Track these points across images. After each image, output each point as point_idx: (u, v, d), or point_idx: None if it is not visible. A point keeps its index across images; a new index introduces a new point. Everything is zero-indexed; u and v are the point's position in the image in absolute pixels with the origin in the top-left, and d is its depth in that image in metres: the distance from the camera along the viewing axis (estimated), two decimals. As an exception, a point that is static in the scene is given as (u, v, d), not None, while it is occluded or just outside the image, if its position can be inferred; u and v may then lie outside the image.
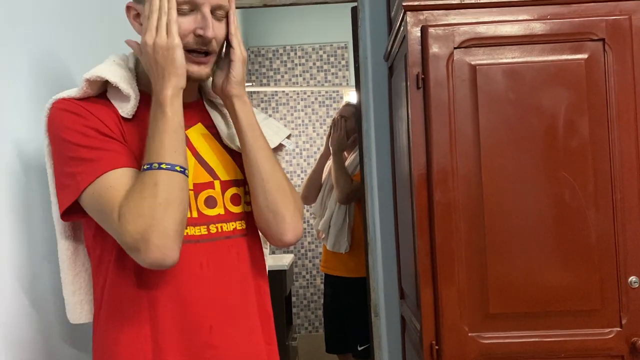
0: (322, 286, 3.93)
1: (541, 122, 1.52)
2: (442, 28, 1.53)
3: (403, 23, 1.64)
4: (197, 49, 1.01)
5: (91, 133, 0.96)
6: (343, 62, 4.64)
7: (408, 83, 1.59)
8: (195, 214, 1.01)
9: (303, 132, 4.63)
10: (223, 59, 1.07)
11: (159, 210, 0.89)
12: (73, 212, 0.99)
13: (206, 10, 1.00)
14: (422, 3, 1.56)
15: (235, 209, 1.07)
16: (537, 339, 1.52)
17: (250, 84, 4.51)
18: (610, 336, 1.50)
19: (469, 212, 1.52)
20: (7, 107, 1.07)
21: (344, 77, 4.64)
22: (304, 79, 4.65)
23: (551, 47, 1.53)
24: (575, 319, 1.52)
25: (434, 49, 1.53)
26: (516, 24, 1.54)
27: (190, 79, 1.00)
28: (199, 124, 1.10)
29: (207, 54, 1.03)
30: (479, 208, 1.52)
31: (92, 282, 1.06)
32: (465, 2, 1.56)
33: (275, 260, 3.55)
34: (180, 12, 0.99)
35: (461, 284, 1.52)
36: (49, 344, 1.15)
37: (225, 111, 1.13)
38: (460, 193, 1.52)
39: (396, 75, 2.00)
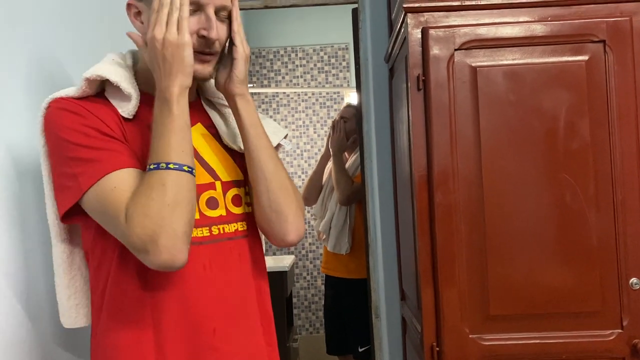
0: (322, 287, 3.93)
1: (542, 123, 1.52)
2: (443, 30, 1.53)
3: (404, 25, 1.64)
4: (200, 50, 1.00)
5: (92, 133, 0.94)
6: (344, 64, 4.64)
7: (409, 84, 1.59)
8: (197, 216, 1.00)
9: (304, 133, 4.63)
10: (226, 57, 1.06)
11: (168, 211, 0.88)
12: (73, 215, 0.97)
13: (210, 11, 0.99)
14: (423, 5, 1.56)
15: (237, 210, 1.07)
16: (538, 341, 1.51)
17: (252, 85, 4.51)
18: (611, 338, 1.50)
19: (470, 213, 1.52)
20: (3, 108, 1.06)
21: (344, 78, 4.64)
22: (304, 80, 4.65)
23: (552, 48, 1.53)
24: (576, 321, 1.51)
25: (435, 50, 1.53)
26: (517, 26, 1.54)
27: (193, 78, 0.99)
28: (199, 124, 1.09)
29: (210, 54, 1.01)
30: (479, 209, 1.52)
31: (90, 286, 1.04)
32: (465, 3, 1.56)
33: (276, 262, 3.55)
34: None
35: (462, 285, 1.52)
36: (45, 349, 1.14)
37: (224, 110, 1.13)
38: (461, 194, 1.52)
39: (397, 77, 2.00)
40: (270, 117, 4.62)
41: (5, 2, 1.07)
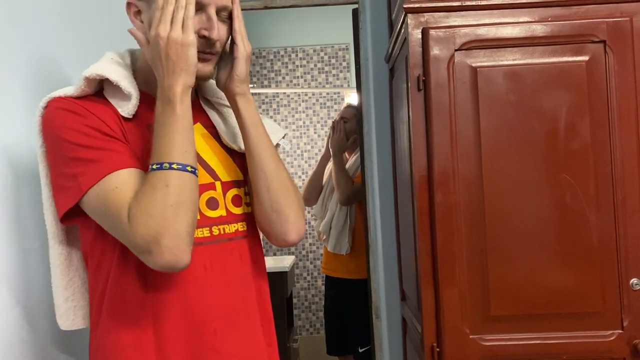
0: (323, 288, 3.93)
1: (542, 124, 1.52)
2: (443, 30, 1.53)
3: (404, 25, 1.64)
4: (200, 50, 0.98)
5: (92, 133, 0.93)
6: (344, 64, 4.64)
7: (409, 85, 1.59)
8: (197, 216, 0.99)
9: (304, 133, 4.64)
10: (227, 56, 1.05)
11: (171, 211, 0.87)
12: (72, 215, 0.96)
13: (212, 11, 0.98)
14: (423, 5, 1.56)
15: (237, 210, 1.06)
16: (538, 341, 1.51)
17: (252, 85, 4.51)
18: (612, 338, 1.50)
19: (470, 214, 1.52)
20: (1, 108, 1.05)
21: (345, 78, 4.64)
22: (305, 80, 4.65)
23: (552, 49, 1.53)
24: (576, 321, 1.51)
25: (435, 51, 1.53)
26: (517, 26, 1.54)
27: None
28: (198, 123, 1.08)
29: (210, 53, 1.00)
30: (480, 210, 1.52)
31: (89, 287, 1.03)
32: (466, 4, 1.56)
33: (276, 262, 3.55)
34: None
35: (462, 286, 1.51)
36: (43, 351, 1.13)
37: (223, 110, 1.12)
38: (461, 195, 1.52)
39: (397, 77, 2.00)
40: (271, 117, 4.62)
41: (5, 2, 1.07)
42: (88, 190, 0.91)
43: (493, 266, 1.51)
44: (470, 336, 1.52)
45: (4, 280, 1.04)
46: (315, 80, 4.65)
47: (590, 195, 1.50)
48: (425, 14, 1.56)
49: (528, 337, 1.52)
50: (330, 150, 2.82)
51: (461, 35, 1.53)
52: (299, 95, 4.63)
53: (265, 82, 4.65)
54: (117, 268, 0.96)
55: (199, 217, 1.00)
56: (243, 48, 1.02)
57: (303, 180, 4.49)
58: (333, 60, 4.65)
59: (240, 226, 1.06)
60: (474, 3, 1.56)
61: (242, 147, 1.10)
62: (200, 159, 1.05)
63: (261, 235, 1.13)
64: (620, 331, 1.50)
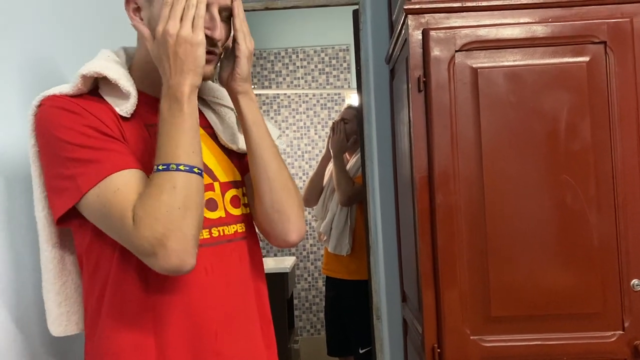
0: (324, 289, 3.93)
1: (543, 125, 1.52)
2: (444, 31, 1.53)
3: (404, 26, 1.64)
4: None
5: (91, 132, 0.90)
6: (345, 65, 4.64)
7: (409, 86, 1.59)
8: (202, 218, 0.96)
9: (305, 134, 4.64)
10: (229, 54, 1.03)
11: (178, 214, 0.85)
12: (68, 218, 0.93)
13: (215, 10, 0.96)
14: (424, 6, 1.56)
15: (235, 212, 1.05)
16: (539, 342, 1.51)
17: (253, 86, 4.50)
18: (613, 339, 1.50)
19: (471, 214, 1.52)
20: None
21: (345, 79, 4.64)
22: (305, 81, 4.66)
23: (553, 49, 1.53)
24: (577, 322, 1.51)
25: (436, 51, 1.53)
26: (517, 27, 1.54)
27: None
28: None
29: (212, 53, 0.98)
30: (480, 211, 1.52)
31: (84, 291, 0.99)
32: (466, 5, 1.56)
33: (277, 263, 3.56)
34: None
35: (463, 286, 1.51)
36: (35, 358, 1.09)
37: (219, 109, 1.11)
38: (461, 196, 1.52)
39: (397, 78, 2.00)
40: (272, 118, 4.63)
41: (2, 1, 1.05)
42: (87, 192, 0.88)
43: (494, 267, 1.51)
44: (471, 337, 1.52)
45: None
46: (315, 81, 4.65)
47: (590, 196, 1.50)
48: (425, 15, 1.56)
49: (529, 338, 1.51)
50: (331, 151, 2.82)
51: (462, 36, 1.53)
52: (299, 96, 4.63)
53: (266, 83, 4.65)
54: (116, 271, 0.94)
55: None
56: (245, 46, 1.01)
57: (304, 181, 4.49)
58: (334, 61, 4.65)
59: (239, 227, 1.04)
60: (474, 4, 1.56)
61: (241, 146, 1.09)
62: None
63: (259, 236, 1.12)
64: (621, 332, 1.50)
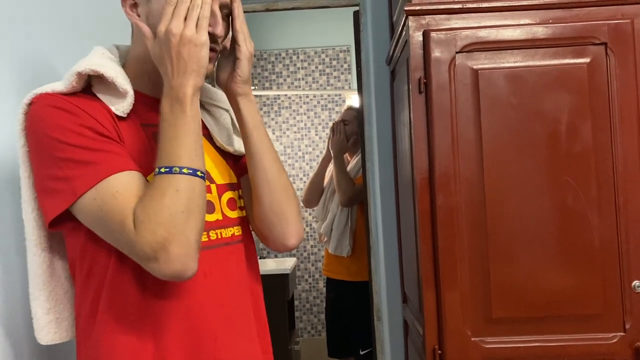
0: (324, 290, 3.93)
1: (543, 126, 1.51)
2: (444, 32, 1.53)
3: (405, 27, 1.64)
4: None
5: (87, 133, 0.87)
6: (345, 66, 4.64)
7: (410, 87, 1.59)
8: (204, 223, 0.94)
9: (305, 135, 4.64)
10: (228, 55, 1.01)
11: (182, 218, 0.83)
12: (60, 221, 0.90)
13: (216, 7, 0.94)
14: (424, 7, 1.56)
15: (232, 214, 1.03)
16: (540, 344, 1.51)
17: (253, 87, 4.51)
18: (614, 341, 1.50)
19: (472, 216, 1.52)
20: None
21: (346, 80, 4.64)
22: (306, 82, 4.66)
23: (553, 51, 1.53)
24: (578, 324, 1.51)
25: (436, 53, 1.53)
26: (518, 28, 1.54)
27: None
28: None
29: (213, 50, 0.95)
30: (481, 212, 1.52)
31: (77, 296, 0.95)
32: (467, 6, 1.56)
33: (277, 264, 3.56)
34: None
35: (464, 288, 1.51)
36: None
37: (214, 110, 1.09)
38: (462, 197, 1.52)
39: (398, 79, 2.00)
40: (272, 119, 4.63)
41: None
42: (83, 195, 0.85)
43: (494, 268, 1.51)
44: (472, 338, 1.52)
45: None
46: (316, 82, 4.65)
47: (591, 197, 1.50)
48: (426, 16, 1.56)
49: (530, 340, 1.51)
50: (331, 151, 2.82)
51: (462, 38, 1.53)
52: (300, 97, 4.63)
53: (267, 84, 4.65)
54: (113, 275, 0.91)
55: None
56: (246, 48, 0.99)
57: (304, 182, 4.49)
58: (334, 62, 4.65)
59: (236, 230, 1.02)
60: (475, 5, 1.56)
61: (237, 148, 1.08)
62: None
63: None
64: (622, 334, 1.50)
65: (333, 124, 2.88)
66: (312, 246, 4.60)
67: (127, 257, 0.87)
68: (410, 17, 1.57)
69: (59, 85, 0.91)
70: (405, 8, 1.57)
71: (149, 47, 0.92)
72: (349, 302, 2.83)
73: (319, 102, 4.64)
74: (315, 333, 4.58)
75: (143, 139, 0.94)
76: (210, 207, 0.98)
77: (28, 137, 0.91)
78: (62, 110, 0.88)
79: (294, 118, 4.63)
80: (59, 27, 1.29)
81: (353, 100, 4.26)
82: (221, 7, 0.96)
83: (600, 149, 1.50)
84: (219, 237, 0.99)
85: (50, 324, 0.98)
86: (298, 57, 4.65)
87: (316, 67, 4.65)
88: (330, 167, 2.90)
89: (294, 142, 4.64)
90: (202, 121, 1.05)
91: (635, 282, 1.49)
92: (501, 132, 1.52)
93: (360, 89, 2.43)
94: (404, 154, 1.87)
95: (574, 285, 1.50)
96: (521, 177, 1.52)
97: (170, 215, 0.82)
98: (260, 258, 3.89)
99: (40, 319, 0.97)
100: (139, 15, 0.95)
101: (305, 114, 4.64)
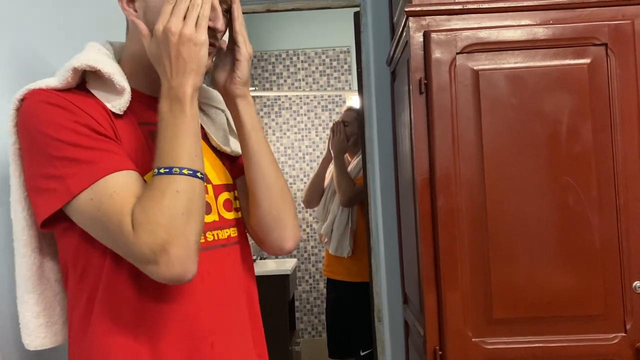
0: (325, 290, 3.93)
1: (544, 127, 1.52)
2: (445, 33, 1.53)
3: (405, 28, 1.64)
4: None
5: (83, 130, 0.84)
6: (345, 67, 4.65)
7: (410, 88, 1.59)
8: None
9: (306, 136, 4.64)
10: (225, 55, 1.00)
11: (182, 219, 0.81)
12: (53, 221, 0.87)
13: (216, 1, 0.92)
14: (425, 8, 1.57)
15: (228, 215, 1.01)
16: (541, 344, 1.51)
17: (253, 88, 4.52)
18: (615, 341, 1.50)
19: (472, 217, 1.52)
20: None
21: (346, 81, 4.65)
22: (306, 83, 4.66)
23: (554, 52, 1.53)
24: (579, 324, 1.51)
25: (437, 54, 1.53)
26: (519, 29, 1.54)
27: None
28: None
29: (212, 45, 0.93)
30: (482, 213, 1.52)
31: (69, 298, 0.92)
32: (467, 7, 1.56)
33: (278, 265, 3.56)
34: None
35: (465, 289, 1.51)
36: None
37: (210, 110, 1.08)
38: (463, 198, 1.52)
39: (399, 80, 2.00)
40: (272, 120, 4.63)
41: None
42: (78, 194, 0.82)
43: (495, 269, 1.51)
44: (473, 339, 1.52)
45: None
46: (316, 83, 4.66)
47: (592, 198, 1.50)
48: (426, 17, 1.57)
49: (530, 340, 1.51)
50: (331, 152, 2.82)
51: (463, 38, 1.53)
52: (300, 98, 4.64)
53: (267, 85, 4.65)
54: (108, 277, 0.88)
55: None
56: (245, 50, 0.98)
57: (305, 183, 4.50)
58: (335, 63, 4.65)
59: (232, 232, 1.01)
60: (475, 6, 1.56)
61: (234, 149, 1.07)
62: None
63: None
64: (623, 334, 1.50)
65: (333, 124, 2.88)
66: (312, 247, 4.60)
67: (121, 258, 0.85)
68: (411, 18, 1.57)
69: (53, 81, 0.89)
70: (406, 9, 1.58)
71: (145, 46, 0.90)
72: (349, 302, 2.83)
73: (319, 103, 4.64)
74: (316, 334, 4.58)
75: (140, 138, 0.92)
76: (207, 208, 0.96)
77: (20, 134, 0.88)
78: (56, 106, 0.85)
79: (295, 119, 4.64)
80: (51, 21, 1.25)
81: (353, 101, 4.27)
82: (221, 1, 0.95)
83: (601, 150, 1.50)
84: (216, 238, 0.97)
85: (39, 328, 0.95)
86: (298, 58, 4.65)
87: (316, 68, 4.65)
88: (331, 168, 2.90)
89: (294, 143, 4.64)
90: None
91: (636, 283, 1.49)
92: (502, 133, 1.52)
93: (360, 90, 2.44)
94: (405, 154, 1.87)
95: (574, 285, 1.50)
96: (522, 178, 1.52)
97: (170, 217, 0.80)
98: (261, 259, 3.89)
99: (29, 323, 0.94)
100: (135, 11, 0.93)
101: (305, 114, 4.64)
